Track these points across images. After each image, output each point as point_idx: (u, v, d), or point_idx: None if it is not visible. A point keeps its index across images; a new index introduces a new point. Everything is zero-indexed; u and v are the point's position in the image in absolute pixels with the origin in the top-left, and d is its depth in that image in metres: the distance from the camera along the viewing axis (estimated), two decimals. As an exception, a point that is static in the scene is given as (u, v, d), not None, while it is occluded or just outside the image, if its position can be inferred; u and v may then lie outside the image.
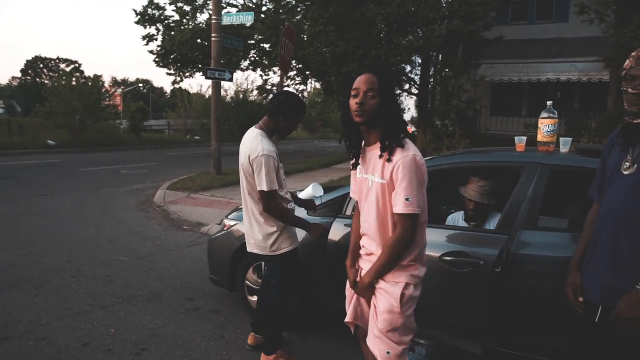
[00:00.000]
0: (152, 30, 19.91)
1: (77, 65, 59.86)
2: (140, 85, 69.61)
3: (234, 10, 18.41)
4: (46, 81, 51.55)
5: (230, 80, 10.64)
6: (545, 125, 2.66)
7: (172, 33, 19.06)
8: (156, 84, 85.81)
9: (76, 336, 3.06)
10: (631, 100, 1.65)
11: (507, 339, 2.41)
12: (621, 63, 1.70)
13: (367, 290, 1.95)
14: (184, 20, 19.37)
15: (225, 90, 29.07)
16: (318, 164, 14.53)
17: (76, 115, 19.07)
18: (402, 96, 15.68)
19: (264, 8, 17.99)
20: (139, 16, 19.53)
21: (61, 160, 14.57)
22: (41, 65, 60.84)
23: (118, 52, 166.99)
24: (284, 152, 17.87)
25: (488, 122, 14.83)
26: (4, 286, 3.89)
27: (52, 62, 60.92)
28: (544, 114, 2.69)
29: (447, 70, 13.58)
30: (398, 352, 1.93)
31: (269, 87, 21.25)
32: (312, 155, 18.92)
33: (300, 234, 2.77)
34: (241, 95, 28.66)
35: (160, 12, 19.65)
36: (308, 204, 2.93)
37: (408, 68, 14.82)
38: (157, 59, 20.46)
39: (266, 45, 19.03)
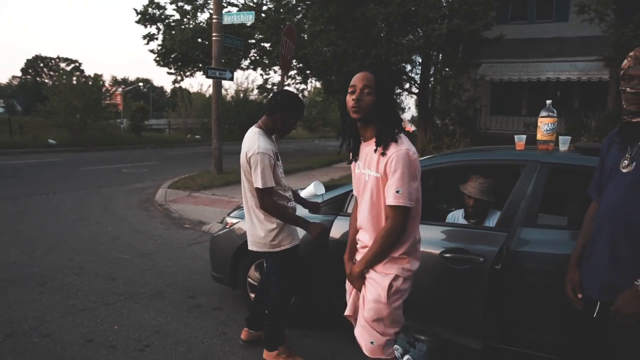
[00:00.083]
0: (152, 29, 19.92)
1: (77, 64, 59.93)
2: (141, 84, 69.62)
3: (234, 9, 18.42)
4: (46, 80, 51.58)
5: (231, 79, 10.67)
6: (544, 124, 2.69)
7: (173, 32, 19.06)
8: (156, 83, 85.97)
9: (80, 333, 3.09)
10: (629, 99, 1.67)
11: (507, 335, 2.44)
12: (621, 62, 1.72)
13: (358, 280, 2.00)
14: (185, 20, 19.37)
15: (226, 90, 29.14)
16: (319, 163, 14.55)
17: (77, 115, 19.10)
18: (401, 95, 15.73)
19: (264, 7, 18.00)
20: (139, 15, 19.52)
21: (62, 159, 14.60)
22: (41, 65, 60.87)
23: (118, 51, 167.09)
24: (285, 151, 17.90)
25: (488, 121, 14.85)
26: (8, 284, 3.92)
27: (53, 61, 60.97)
28: (543, 113, 2.71)
29: (447, 69, 13.60)
30: (382, 343, 1.97)
31: (269, 87, 21.28)
32: (313, 154, 18.96)
33: (301, 231, 2.80)
34: (241, 95, 28.70)
35: (161, 11, 19.65)
36: (313, 206, 2.92)
37: (408, 67, 14.87)
38: (157, 58, 20.46)
39: (267, 45, 19.04)
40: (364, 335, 2.00)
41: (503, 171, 3.01)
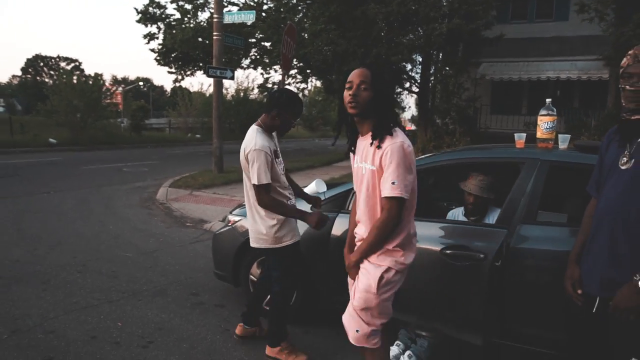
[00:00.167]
0: (153, 28, 19.93)
1: (77, 63, 59.93)
2: (141, 83, 69.61)
3: (235, 8, 18.43)
4: (47, 80, 51.58)
5: (232, 78, 10.69)
6: (544, 123, 2.72)
7: (174, 31, 19.07)
8: (156, 82, 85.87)
9: (84, 329, 3.11)
10: (629, 97, 1.69)
11: (507, 331, 2.46)
12: (620, 62, 1.74)
13: (354, 269, 2.05)
14: (186, 19, 19.37)
15: (226, 89, 29.18)
16: (319, 162, 14.58)
17: (77, 114, 19.11)
18: (401, 94, 15.74)
19: (265, 7, 18.01)
20: (140, 15, 19.53)
21: (63, 158, 14.62)
22: (41, 64, 60.88)
23: (117, 50, 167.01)
24: (285, 150, 17.83)
25: (488, 120, 14.86)
26: (12, 281, 3.95)
27: (53, 60, 60.99)
28: (543, 112, 2.74)
29: (447, 68, 13.63)
30: (367, 332, 2.02)
31: (269, 86, 21.28)
32: (313, 153, 18.98)
33: (302, 228, 2.82)
34: (242, 94, 28.72)
35: (162, 10, 19.66)
36: (314, 200, 2.91)
37: (409, 67, 14.91)
38: (158, 58, 20.46)
39: (267, 44, 19.04)
40: (351, 323, 2.06)
41: (503, 169, 3.03)
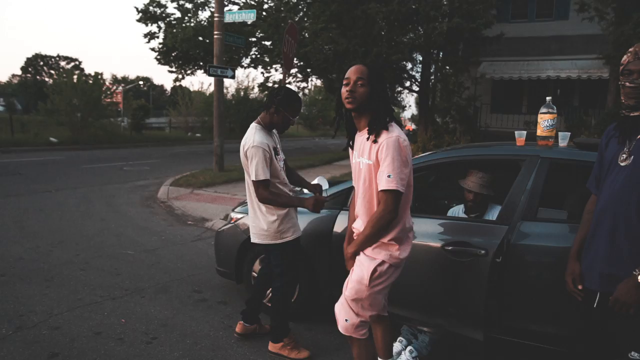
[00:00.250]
0: (153, 28, 19.91)
1: (77, 63, 59.84)
2: (141, 83, 69.53)
3: (235, 7, 18.43)
4: (47, 79, 51.55)
5: (233, 77, 10.70)
6: (544, 120, 2.74)
7: (174, 30, 19.06)
8: (156, 81, 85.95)
9: (88, 326, 3.14)
10: (628, 93, 1.71)
11: (507, 326, 2.49)
12: (620, 60, 1.77)
13: (350, 261, 2.11)
14: (186, 18, 19.36)
15: (227, 88, 29.12)
16: (320, 160, 14.59)
17: (78, 113, 19.11)
18: (402, 93, 15.76)
19: (265, 6, 18.00)
20: (140, 14, 19.53)
21: (64, 157, 14.64)
22: (41, 63, 60.75)
23: (117, 50, 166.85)
24: (286, 149, 17.67)
25: (488, 119, 14.88)
26: (16, 279, 3.98)
27: (53, 59, 60.87)
28: (543, 110, 2.77)
29: (447, 67, 13.64)
30: (355, 322, 2.08)
31: (270, 85, 21.29)
32: (314, 152, 18.99)
33: (303, 224, 2.83)
34: (242, 93, 28.72)
35: (162, 9, 19.65)
36: (315, 188, 2.83)
37: (409, 65, 14.90)
38: (158, 57, 20.46)
39: (267, 43, 19.04)
40: (341, 312, 2.11)
41: (504, 166, 3.06)
